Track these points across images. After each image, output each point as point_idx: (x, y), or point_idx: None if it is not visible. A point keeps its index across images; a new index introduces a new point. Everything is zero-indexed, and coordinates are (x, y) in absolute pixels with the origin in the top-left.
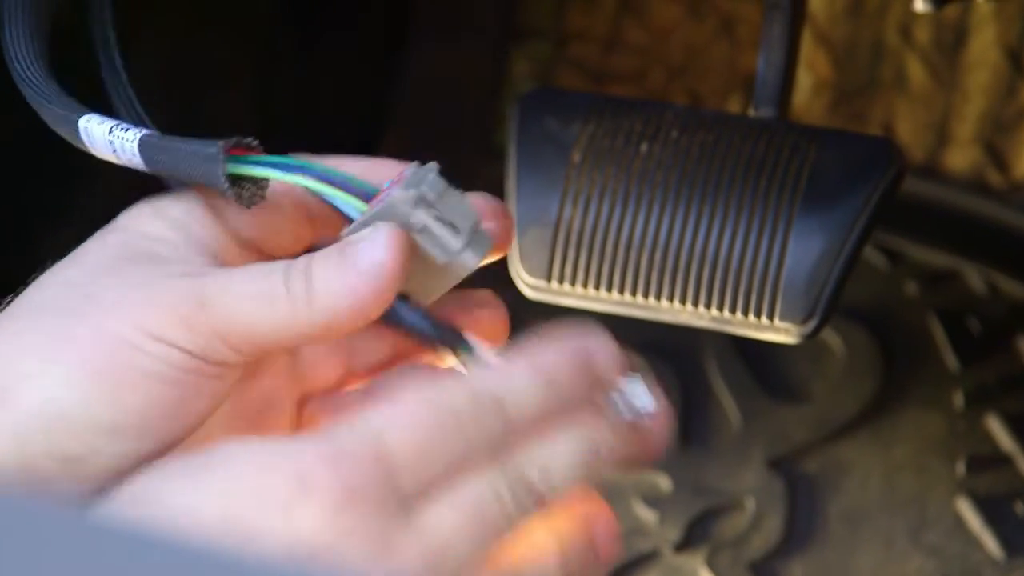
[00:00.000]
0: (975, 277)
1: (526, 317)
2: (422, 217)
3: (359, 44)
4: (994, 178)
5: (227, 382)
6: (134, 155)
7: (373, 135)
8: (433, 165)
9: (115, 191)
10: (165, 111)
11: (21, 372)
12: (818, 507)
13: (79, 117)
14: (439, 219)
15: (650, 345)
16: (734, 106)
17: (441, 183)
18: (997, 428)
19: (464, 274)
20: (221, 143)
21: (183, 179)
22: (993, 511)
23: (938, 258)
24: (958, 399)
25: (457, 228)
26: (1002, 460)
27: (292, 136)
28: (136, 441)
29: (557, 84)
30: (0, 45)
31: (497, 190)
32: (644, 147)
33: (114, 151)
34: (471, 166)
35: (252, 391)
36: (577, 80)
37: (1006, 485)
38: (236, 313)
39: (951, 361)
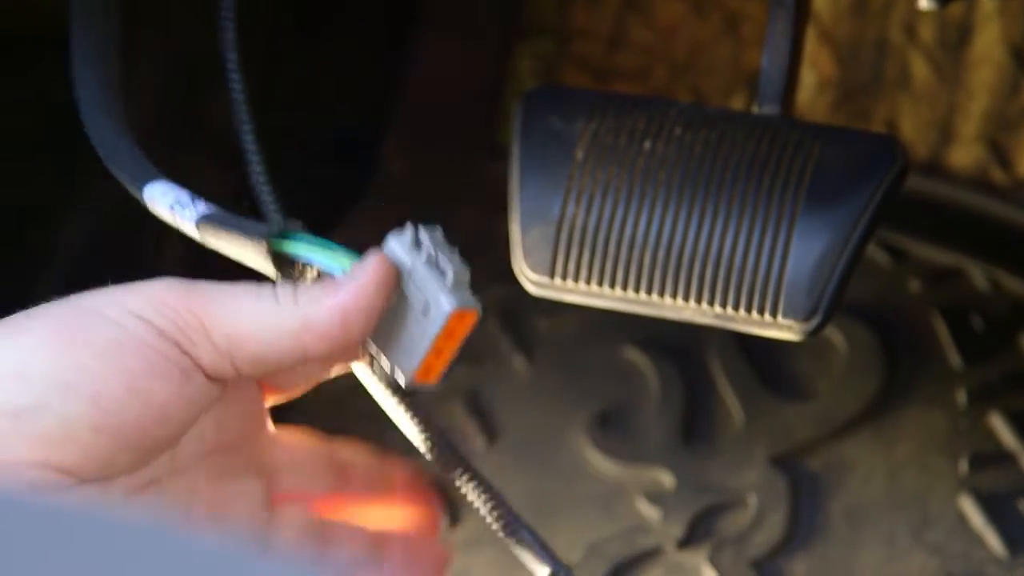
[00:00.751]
0: (978, 275)
1: (529, 313)
2: (412, 258)
3: (361, 42)
4: (998, 176)
5: (199, 390)
6: (193, 232)
7: (376, 133)
8: (437, 227)
9: (113, 195)
10: (167, 111)
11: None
12: (821, 504)
13: (143, 186)
14: (428, 263)
15: (653, 342)
16: (738, 103)
17: (439, 235)
18: (1000, 426)
19: (437, 327)
20: (266, 232)
21: (236, 259)
22: (996, 509)
23: (941, 256)
24: (961, 397)
25: (444, 273)
26: (1005, 458)
27: (292, 136)
28: (88, 404)
29: (561, 81)
30: (78, 107)
31: (500, 187)
32: (648, 144)
33: (175, 222)
34: (474, 163)
35: (230, 428)
36: (581, 78)
37: (1009, 483)
38: (217, 301)
39: (954, 359)
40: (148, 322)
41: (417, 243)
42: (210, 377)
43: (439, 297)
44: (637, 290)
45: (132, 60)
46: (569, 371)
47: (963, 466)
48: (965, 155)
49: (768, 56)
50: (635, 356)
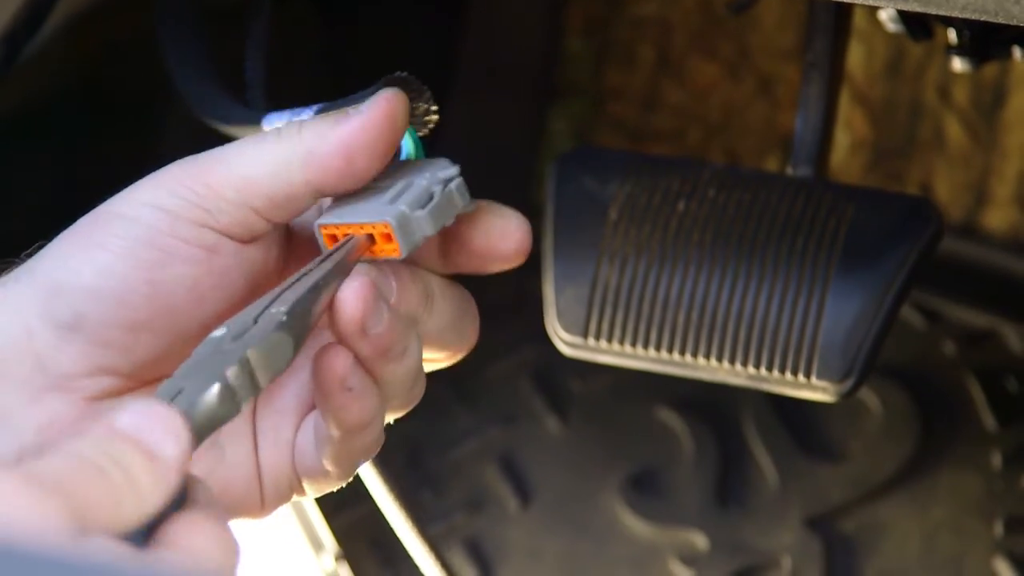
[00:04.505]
0: (1013, 337)
1: (563, 374)
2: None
3: None
4: None
5: (232, 259)
6: None
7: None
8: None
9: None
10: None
11: (42, 255)
12: (855, 567)
13: (262, 119)
14: (429, 182)
15: (687, 403)
16: (772, 165)
17: (459, 183)
18: None
19: (368, 219)
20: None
21: None
22: None
23: (976, 318)
24: (996, 459)
25: (430, 199)
26: None
27: None
28: (117, 306)
29: (596, 142)
30: (173, 80)
31: (535, 248)
32: (681, 205)
33: None
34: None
35: None
36: (616, 138)
37: None
38: (224, 159)
39: (989, 421)
40: (160, 208)
41: (440, 173)
42: (241, 240)
43: (390, 207)
44: (671, 351)
45: None
46: (603, 432)
47: (998, 528)
48: (1000, 217)
49: (802, 118)
50: (669, 417)
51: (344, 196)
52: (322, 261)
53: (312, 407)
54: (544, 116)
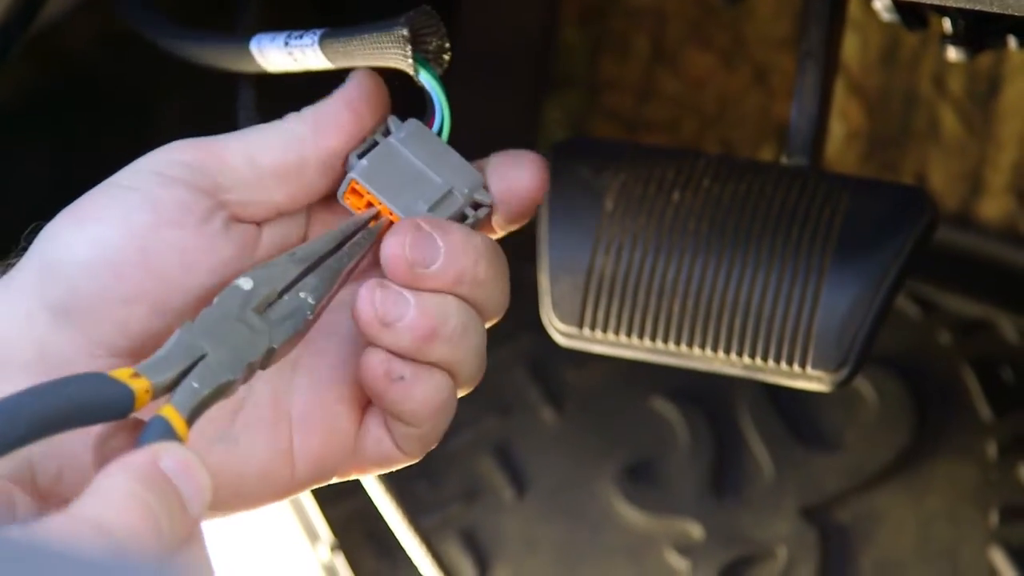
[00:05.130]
0: (1009, 326)
1: (558, 364)
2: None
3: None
4: None
5: (222, 230)
6: (316, 55)
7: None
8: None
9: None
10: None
11: (40, 237)
12: (851, 557)
13: (248, 41)
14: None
15: (682, 393)
16: (767, 155)
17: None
18: None
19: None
20: (404, 22)
21: (367, 64)
22: None
23: (971, 307)
24: (991, 449)
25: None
26: None
27: None
28: (110, 277)
29: (590, 133)
30: (136, 27)
31: (530, 237)
32: (676, 195)
33: (293, 59)
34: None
35: None
36: (611, 129)
37: None
38: (231, 138)
39: (984, 411)
40: (160, 173)
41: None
42: (240, 218)
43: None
44: (666, 341)
45: None
46: (598, 422)
47: (993, 518)
48: (995, 207)
49: (797, 108)
50: (664, 407)
51: (379, 157)
52: (347, 238)
53: (360, 392)
54: (539, 106)
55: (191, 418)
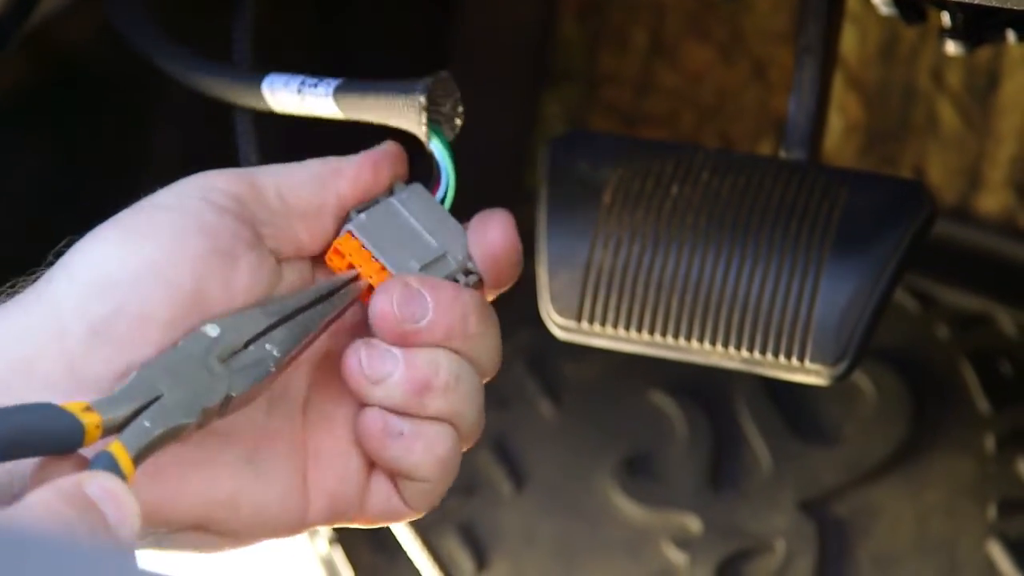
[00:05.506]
0: (1007, 320)
1: (556, 357)
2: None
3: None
4: None
5: (261, 261)
6: (327, 104)
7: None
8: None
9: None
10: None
11: (78, 251)
12: (848, 550)
13: (261, 80)
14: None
15: (681, 387)
16: (765, 149)
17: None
18: None
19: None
20: (421, 88)
21: (379, 121)
22: None
23: (970, 301)
24: (989, 442)
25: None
26: None
27: None
28: (163, 292)
29: (589, 127)
30: (145, 54)
31: (528, 231)
32: (675, 189)
33: (303, 103)
34: (502, 208)
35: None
36: (609, 123)
37: None
38: (263, 172)
39: (982, 404)
40: (207, 200)
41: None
42: (276, 253)
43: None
44: (664, 334)
45: None
46: (596, 415)
47: (991, 512)
48: (993, 201)
49: (795, 101)
50: (662, 401)
51: (379, 214)
52: (322, 297)
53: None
54: (538, 101)
55: (138, 457)
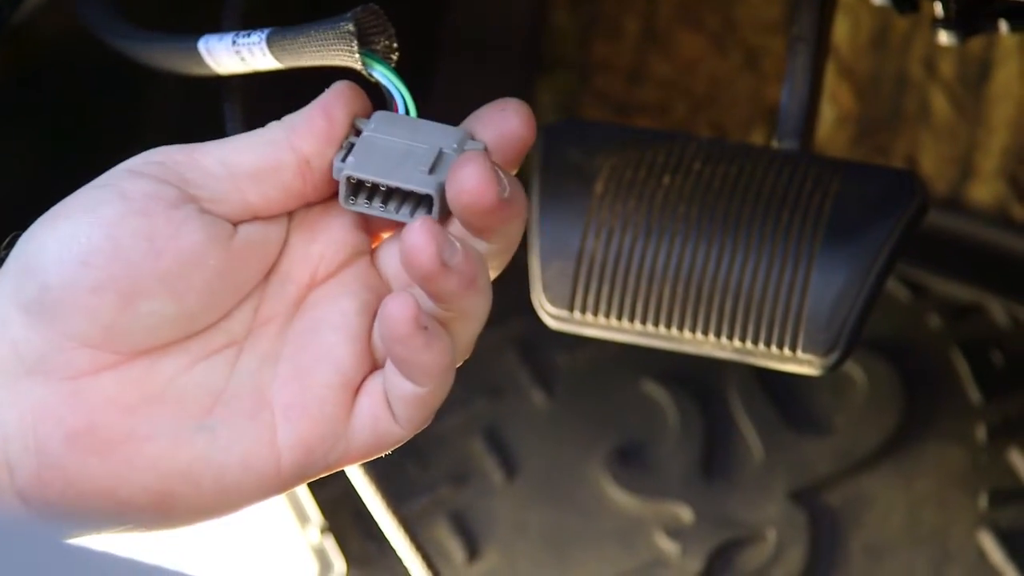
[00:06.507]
0: (998, 310)
1: (548, 347)
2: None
3: None
4: (1018, 211)
5: (190, 219)
6: (264, 55)
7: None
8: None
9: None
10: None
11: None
12: (840, 540)
13: (196, 41)
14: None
15: (672, 376)
16: (758, 138)
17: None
18: (1020, 462)
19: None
20: (350, 17)
21: (315, 64)
22: (1016, 545)
23: (961, 291)
24: (981, 432)
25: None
26: None
27: None
28: (78, 266)
29: (581, 115)
30: (85, 22)
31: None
32: (667, 179)
33: (241, 59)
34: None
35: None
36: (601, 111)
37: None
38: (208, 143)
39: (974, 394)
40: (130, 170)
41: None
42: (211, 212)
43: (429, 177)
44: (656, 324)
45: None
46: (588, 405)
47: (982, 502)
48: (985, 191)
49: (788, 91)
50: (654, 390)
51: (362, 150)
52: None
53: (351, 378)
54: (530, 89)
55: None
